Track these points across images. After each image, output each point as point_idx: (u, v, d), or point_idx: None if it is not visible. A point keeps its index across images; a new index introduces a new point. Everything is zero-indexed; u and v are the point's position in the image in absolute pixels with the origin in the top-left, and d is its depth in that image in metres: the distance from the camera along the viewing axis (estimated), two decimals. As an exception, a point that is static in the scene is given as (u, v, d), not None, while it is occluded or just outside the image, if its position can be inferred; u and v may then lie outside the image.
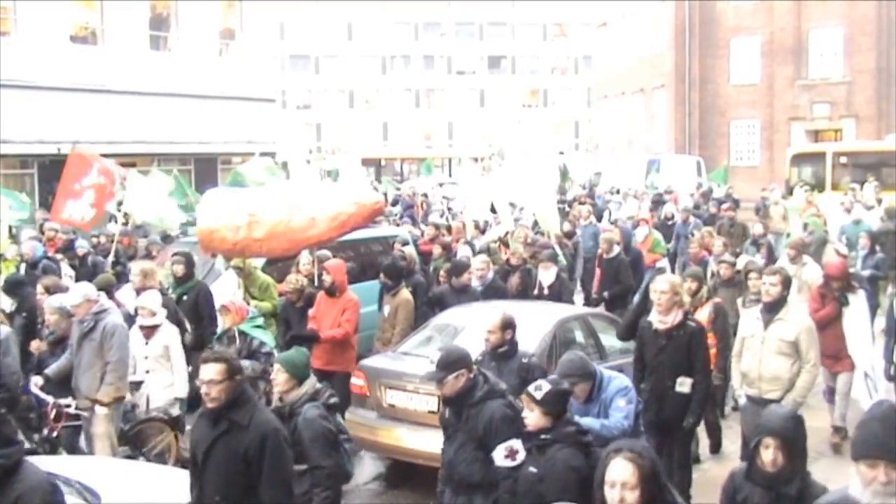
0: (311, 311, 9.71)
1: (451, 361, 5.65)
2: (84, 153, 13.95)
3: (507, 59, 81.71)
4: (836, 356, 9.18)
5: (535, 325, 8.76)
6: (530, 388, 5.03)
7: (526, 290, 11.54)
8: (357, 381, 8.87)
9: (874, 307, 11.83)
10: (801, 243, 11.90)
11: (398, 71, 79.84)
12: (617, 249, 13.19)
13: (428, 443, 7.48)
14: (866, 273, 12.58)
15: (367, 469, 9.09)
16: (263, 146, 27.69)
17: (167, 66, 24.70)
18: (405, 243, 13.12)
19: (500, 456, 5.31)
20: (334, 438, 5.67)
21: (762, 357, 7.55)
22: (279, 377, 5.73)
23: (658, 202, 23.41)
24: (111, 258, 13.29)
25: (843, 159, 29.76)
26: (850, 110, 38.04)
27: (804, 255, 11.64)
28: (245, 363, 7.79)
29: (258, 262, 10.95)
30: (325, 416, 5.60)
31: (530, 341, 8.25)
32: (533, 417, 4.96)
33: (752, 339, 7.69)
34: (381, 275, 10.62)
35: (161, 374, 8.50)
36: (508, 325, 6.91)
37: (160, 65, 24.59)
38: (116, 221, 14.67)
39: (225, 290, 10.33)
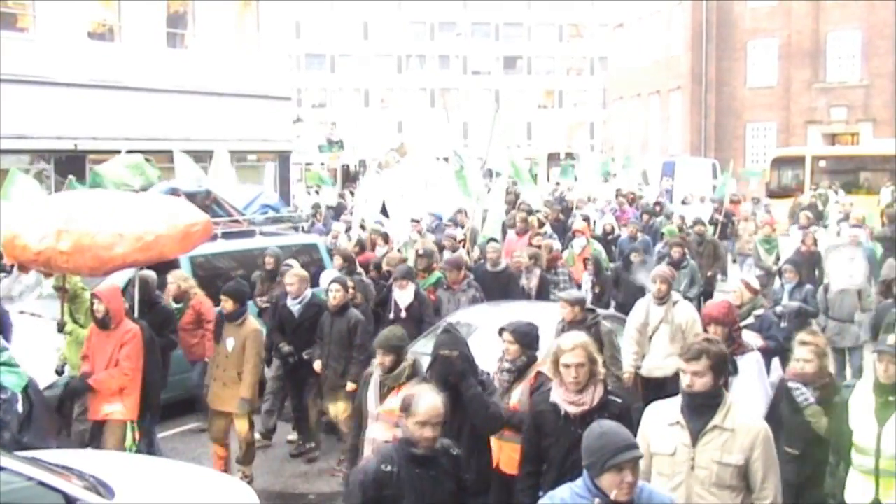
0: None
1: None
2: None
3: (523, 59, 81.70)
4: None
5: (545, 326, 8.71)
6: None
7: (382, 310, 10.27)
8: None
9: None
10: (671, 276, 9.26)
11: (413, 70, 79.94)
12: (504, 263, 11.74)
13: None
14: (794, 304, 10.49)
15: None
16: (278, 144, 27.79)
17: (184, 64, 24.77)
18: (276, 255, 11.14)
19: None
20: None
21: (690, 491, 4.61)
22: None
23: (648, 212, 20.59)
24: None
25: (823, 163, 29.88)
26: (867, 114, 37.91)
27: (673, 292, 9.09)
28: None
29: (97, 281, 9.03)
30: None
31: (540, 343, 8.18)
32: None
33: (670, 461, 4.66)
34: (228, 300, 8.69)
35: None
36: None
37: (177, 62, 24.65)
38: None
39: None
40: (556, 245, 13.46)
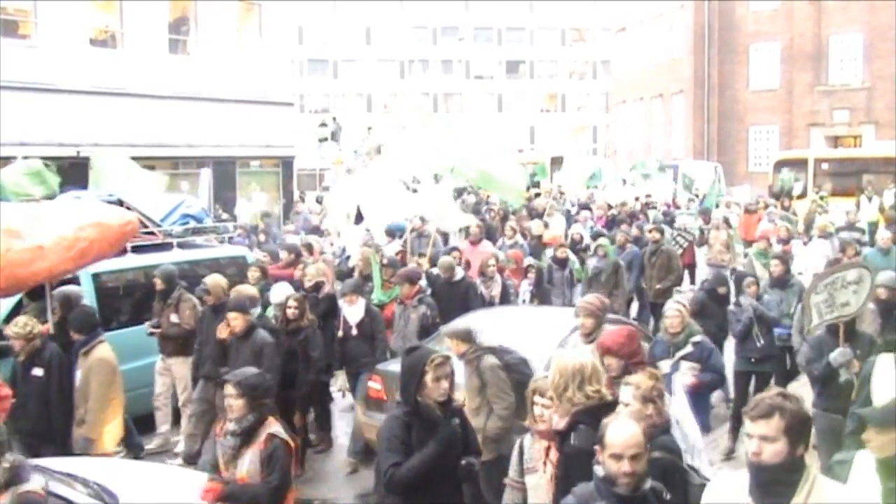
0: None
1: None
2: None
3: (526, 63, 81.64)
4: None
5: (551, 330, 8.70)
6: None
7: (327, 325, 9.75)
8: (374, 385, 8.83)
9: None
10: (598, 307, 7.49)
11: (416, 75, 79.89)
12: (461, 273, 11.48)
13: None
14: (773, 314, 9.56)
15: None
16: (281, 150, 27.79)
17: (186, 70, 24.79)
18: (166, 274, 10.04)
19: None
20: None
21: None
22: None
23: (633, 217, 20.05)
24: None
25: (825, 166, 29.80)
26: (869, 116, 37.85)
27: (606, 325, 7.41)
28: None
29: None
30: None
31: (546, 346, 8.20)
32: None
33: None
34: (71, 330, 7.93)
35: None
36: None
37: (179, 68, 24.68)
38: None
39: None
40: (502, 255, 13.31)
